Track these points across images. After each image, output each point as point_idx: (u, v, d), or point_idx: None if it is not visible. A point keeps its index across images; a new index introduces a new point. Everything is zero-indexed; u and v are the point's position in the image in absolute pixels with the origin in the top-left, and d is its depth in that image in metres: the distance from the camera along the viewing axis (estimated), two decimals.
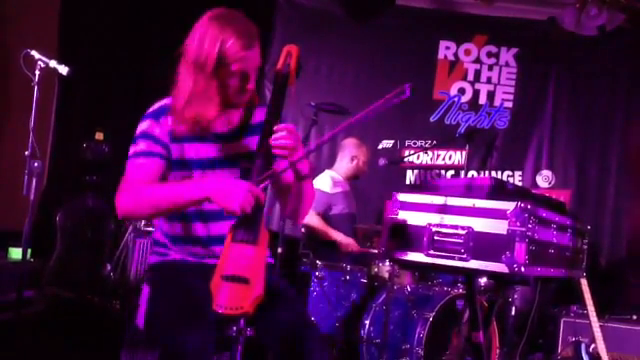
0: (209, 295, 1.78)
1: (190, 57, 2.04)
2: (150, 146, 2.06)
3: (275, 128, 1.99)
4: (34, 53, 3.68)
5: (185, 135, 2.09)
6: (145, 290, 2.11)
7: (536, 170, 5.67)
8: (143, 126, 2.10)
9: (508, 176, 5.70)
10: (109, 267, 4.54)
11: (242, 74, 2.03)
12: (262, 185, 1.92)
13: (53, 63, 3.69)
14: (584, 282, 3.35)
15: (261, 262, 1.84)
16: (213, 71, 2.01)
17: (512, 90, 5.79)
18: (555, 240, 2.28)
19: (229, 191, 1.87)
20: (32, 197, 3.59)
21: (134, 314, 2.12)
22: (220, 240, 2.00)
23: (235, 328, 1.76)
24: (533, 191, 3.29)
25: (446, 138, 5.55)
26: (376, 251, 4.22)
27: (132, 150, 2.08)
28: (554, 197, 2.91)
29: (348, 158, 4.72)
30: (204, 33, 2.02)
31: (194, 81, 2.03)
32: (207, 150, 2.13)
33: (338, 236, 4.41)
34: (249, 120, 2.21)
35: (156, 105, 2.14)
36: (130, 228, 4.49)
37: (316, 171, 4.78)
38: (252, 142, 2.15)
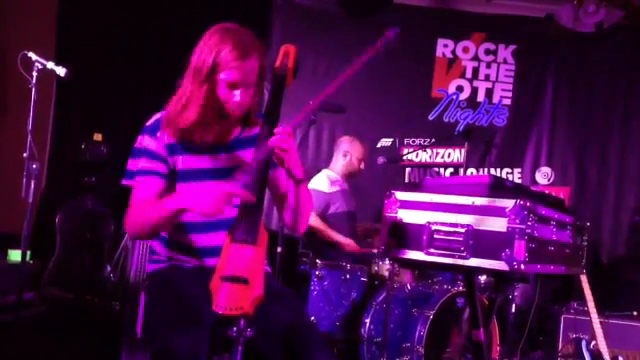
0: (205, 299, 1.77)
1: (192, 64, 2.07)
2: (149, 163, 2.08)
3: (275, 130, 1.98)
4: (31, 55, 3.66)
5: (179, 146, 2.10)
6: (142, 299, 2.12)
7: (535, 167, 5.68)
8: (141, 141, 2.12)
9: (507, 173, 5.70)
10: (108, 268, 4.54)
11: (230, 84, 2.03)
12: (261, 159, 1.93)
13: (51, 64, 3.68)
14: (584, 279, 3.35)
15: (260, 262, 1.83)
16: (206, 78, 2.02)
17: (510, 87, 5.78)
18: (555, 237, 2.27)
19: (198, 195, 1.88)
20: (31, 199, 3.58)
21: (133, 316, 2.12)
22: (217, 251, 1.99)
23: (235, 329, 1.75)
24: (532, 188, 3.30)
25: (445, 136, 5.54)
26: (376, 250, 4.22)
27: (133, 166, 2.11)
28: (553, 194, 2.91)
29: (341, 155, 4.72)
30: (206, 41, 2.05)
31: (190, 87, 2.05)
32: (205, 162, 2.13)
33: (338, 237, 4.41)
34: (246, 132, 2.21)
35: (152, 119, 2.15)
36: None
37: (314, 171, 4.78)
38: (248, 154, 2.15)
